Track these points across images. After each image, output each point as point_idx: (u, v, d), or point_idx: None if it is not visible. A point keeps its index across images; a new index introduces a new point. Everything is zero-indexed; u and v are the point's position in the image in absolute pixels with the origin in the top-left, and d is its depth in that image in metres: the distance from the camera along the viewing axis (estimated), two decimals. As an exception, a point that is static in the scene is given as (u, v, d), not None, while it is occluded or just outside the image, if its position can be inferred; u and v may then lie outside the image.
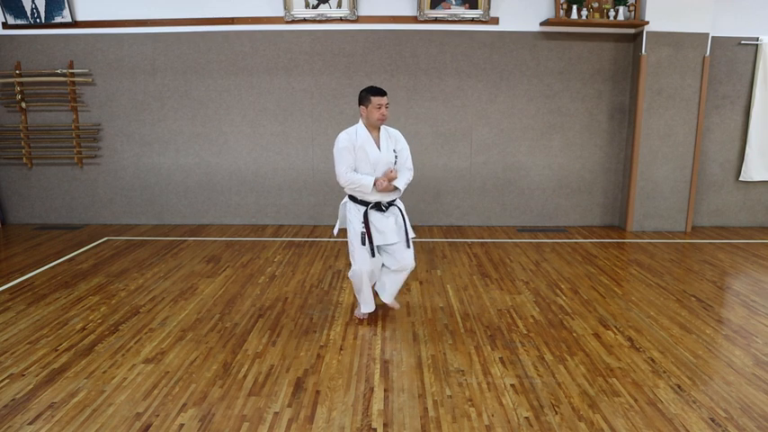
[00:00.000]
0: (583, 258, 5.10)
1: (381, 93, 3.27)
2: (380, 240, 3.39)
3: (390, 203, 3.44)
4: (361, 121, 3.37)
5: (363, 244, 3.37)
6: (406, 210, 3.56)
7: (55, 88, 6.14)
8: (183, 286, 4.29)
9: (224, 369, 2.96)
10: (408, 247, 3.48)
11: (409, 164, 3.45)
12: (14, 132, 6.24)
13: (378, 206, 3.39)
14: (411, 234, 3.52)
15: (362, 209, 3.39)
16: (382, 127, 3.38)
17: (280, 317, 3.69)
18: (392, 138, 3.41)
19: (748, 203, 6.42)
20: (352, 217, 3.42)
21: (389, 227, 3.40)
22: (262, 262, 4.94)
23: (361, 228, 3.37)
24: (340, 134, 3.34)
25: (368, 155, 3.28)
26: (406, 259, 3.47)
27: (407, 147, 3.47)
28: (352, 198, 3.43)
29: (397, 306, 3.70)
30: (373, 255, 3.39)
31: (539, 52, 6.02)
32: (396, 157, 3.36)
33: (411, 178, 3.46)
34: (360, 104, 3.34)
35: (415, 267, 3.61)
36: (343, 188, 3.41)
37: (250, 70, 6.08)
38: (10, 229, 6.23)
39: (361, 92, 3.33)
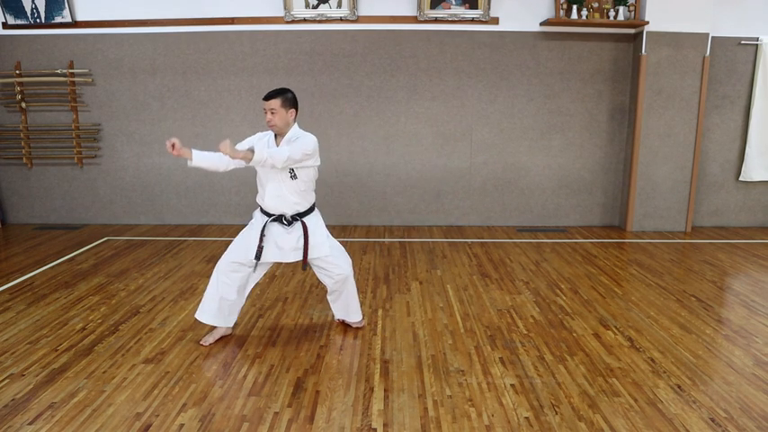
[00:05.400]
0: (583, 258, 5.10)
1: (266, 97, 2.96)
2: (278, 257, 3.12)
3: (296, 218, 3.11)
4: None
5: (257, 258, 3.08)
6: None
7: (55, 88, 6.14)
8: (183, 286, 4.29)
9: (224, 369, 2.96)
10: (305, 268, 3.17)
11: (283, 149, 2.88)
12: (14, 132, 6.24)
13: (279, 219, 3.11)
14: (319, 253, 3.13)
15: (265, 219, 3.13)
16: (296, 132, 3.05)
17: (280, 317, 3.69)
18: (293, 142, 3.00)
19: (748, 203, 6.42)
20: (255, 224, 3.19)
21: (290, 244, 3.11)
22: (262, 262, 4.93)
23: (257, 240, 3.09)
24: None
25: None
26: (340, 266, 3.21)
27: (303, 144, 2.93)
28: (261, 207, 3.19)
29: (357, 321, 3.46)
30: (255, 269, 3.16)
31: (539, 52, 6.02)
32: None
33: (277, 158, 2.83)
34: None
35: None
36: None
37: (250, 70, 6.08)
38: (10, 229, 6.23)
39: None
